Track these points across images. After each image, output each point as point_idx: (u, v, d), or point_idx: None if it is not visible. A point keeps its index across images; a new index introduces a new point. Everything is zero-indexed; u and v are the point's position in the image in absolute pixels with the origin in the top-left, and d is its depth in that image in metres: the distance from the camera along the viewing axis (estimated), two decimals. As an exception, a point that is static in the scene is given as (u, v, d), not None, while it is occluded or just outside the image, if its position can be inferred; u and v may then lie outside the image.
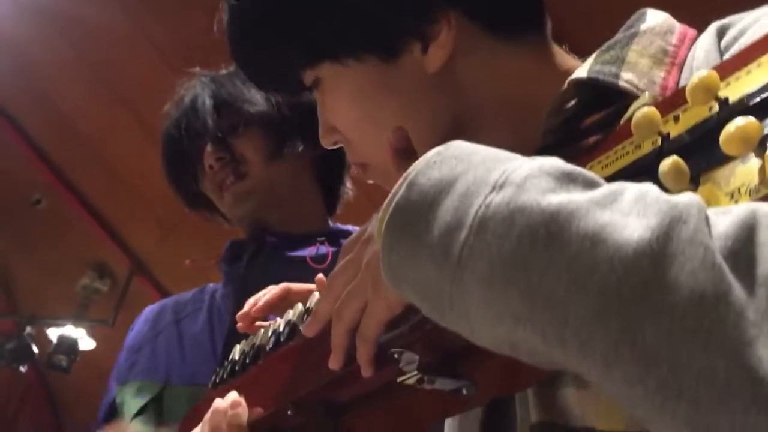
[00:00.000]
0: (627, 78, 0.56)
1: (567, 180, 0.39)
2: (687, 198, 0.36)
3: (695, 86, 0.42)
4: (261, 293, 0.80)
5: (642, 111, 0.45)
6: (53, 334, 4.96)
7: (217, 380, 0.76)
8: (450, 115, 0.64)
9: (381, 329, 0.50)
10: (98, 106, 4.27)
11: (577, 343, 0.35)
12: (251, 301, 0.80)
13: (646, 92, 0.51)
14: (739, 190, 0.38)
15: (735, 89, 0.42)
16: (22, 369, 4.99)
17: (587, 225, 0.36)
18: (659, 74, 0.57)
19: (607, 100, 0.58)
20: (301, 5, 0.63)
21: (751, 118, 0.37)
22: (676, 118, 0.46)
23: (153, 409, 1.05)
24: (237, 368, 0.73)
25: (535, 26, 0.66)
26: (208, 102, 1.15)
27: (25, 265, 5.45)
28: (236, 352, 0.77)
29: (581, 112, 0.59)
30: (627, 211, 0.36)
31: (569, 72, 0.63)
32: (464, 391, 0.51)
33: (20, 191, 4.99)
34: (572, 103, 0.59)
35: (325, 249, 1.14)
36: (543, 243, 0.36)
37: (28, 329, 4.82)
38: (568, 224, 0.36)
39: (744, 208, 0.35)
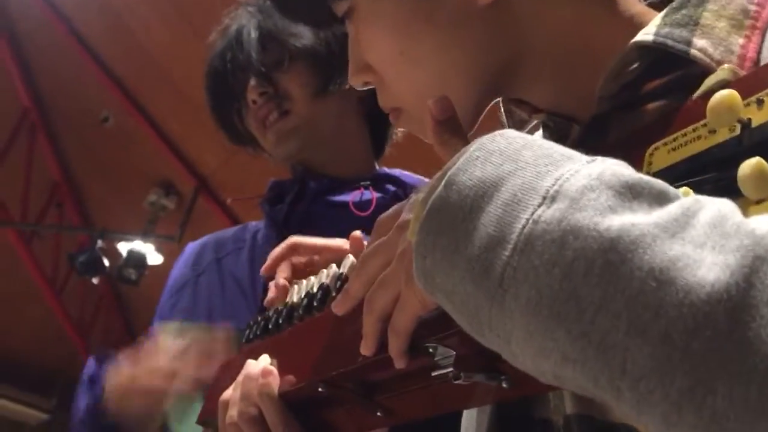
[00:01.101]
0: (700, 45, 0.49)
1: (631, 195, 0.34)
2: None
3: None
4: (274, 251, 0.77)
5: (721, 95, 0.38)
6: (123, 248, 5.12)
7: (251, 335, 0.74)
8: (499, 57, 0.57)
9: (414, 323, 0.46)
10: (165, 26, 4.25)
11: (634, 395, 0.30)
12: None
13: (725, 65, 0.43)
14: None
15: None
16: (95, 281, 5.18)
17: (653, 258, 0.30)
18: (738, 41, 0.49)
19: (674, 63, 0.51)
20: None
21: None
22: (760, 102, 0.39)
23: None
24: (270, 326, 0.71)
25: None
26: (254, 34, 1.09)
27: (95, 181, 5.59)
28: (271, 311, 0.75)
29: (643, 76, 0.53)
30: (701, 242, 0.30)
31: (634, 20, 0.56)
32: (504, 385, 0.47)
33: (89, 109, 5.08)
34: (634, 66, 0.52)
35: (369, 194, 1.09)
36: (599, 274, 0.31)
37: (99, 243, 4.98)
38: (630, 255, 0.31)
39: None
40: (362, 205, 1.08)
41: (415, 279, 0.40)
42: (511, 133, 0.40)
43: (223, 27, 1.15)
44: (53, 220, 5.61)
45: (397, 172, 1.16)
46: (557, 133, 0.60)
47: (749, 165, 0.34)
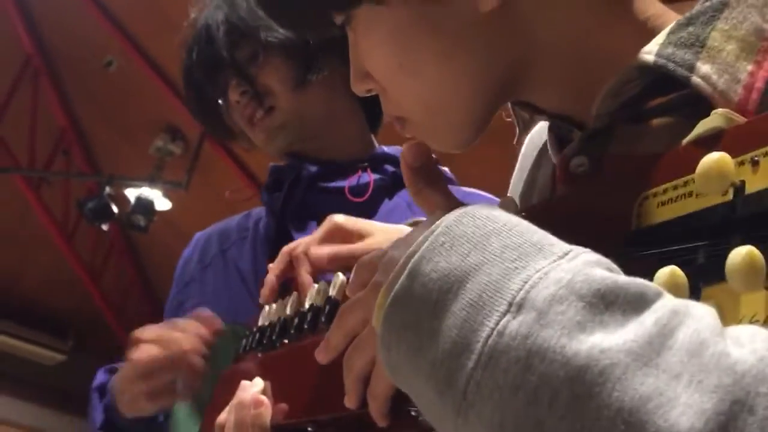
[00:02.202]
0: (704, 72, 0.45)
1: (603, 305, 0.31)
2: (758, 358, 0.27)
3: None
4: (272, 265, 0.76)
5: (710, 159, 0.36)
6: (131, 194, 5.12)
7: (246, 346, 0.74)
8: (505, 64, 0.54)
9: (391, 389, 0.44)
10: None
11: None
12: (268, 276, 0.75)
13: (720, 110, 0.40)
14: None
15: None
16: (104, 227, 5.21)
17: (623, 395, 0.28)
18: (747, 67, 0.45)
19: (677, 82, 0.47)
20: None
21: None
22: (755, 163, 0.36)
23: None
24: (264, 341, 0.70)
25: None
26: (222, 28, 1.03)
27: (101, 127, 5.57)
28: (266, 314, 0.74)
29: (644, 92, 0.49)
30: (677, 372, 0.28)
31: (648, 24, 0.52)
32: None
33: (92, 53, 5.02)
34: (634, 83, 0.49)
35: (366, 177, 1.06)
36: (565, 407, 0.29)
37: (107, 189, 4.98)
38: (598, 389, 0.28)
39: None
40: (359, 189, 1.05)
41: (383, 367, 0.38)
42: (479, 211, 0.38)
43: (192, 19, 1.09)
44: (61, 166, 5.61)
45: (395, 150, 1.13)
46: (560, 138, 0.58)
47: (739, 255, 0.32)
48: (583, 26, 0.53)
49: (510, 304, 0.33)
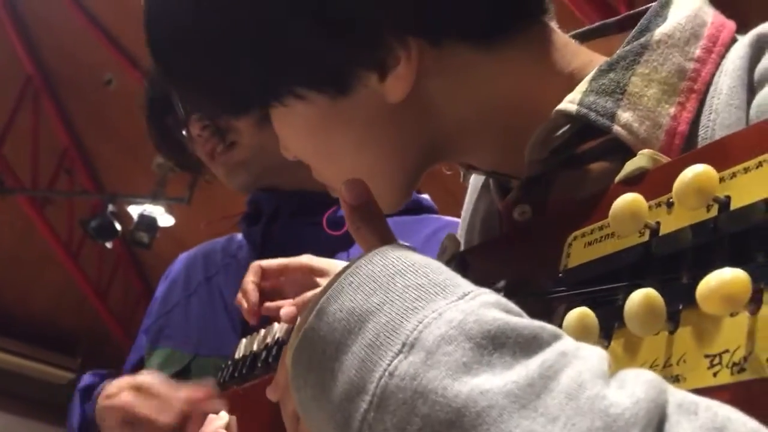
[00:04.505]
0: (624, 120, 0.44)
1: (492, 347, 0.31)
2: (633, 402, 0.27)
3: (684, 186, 0.33)
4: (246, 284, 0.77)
5: (623, 201, 0.36)
6: (134, 211, 5.15)
7: (221, 379, 0.75)
8: (419, 144, 0.53)
9: None
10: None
11: None
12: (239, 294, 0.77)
13: (645, 151, 0.40)
14: (721, 357, 0.30)
15: (741, 187, 0.33)
16: (108, 245, 5.24)
17: None
18: (669, 111, 0.44)
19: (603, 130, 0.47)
20: (220, 53, 0.50)
21: (738, 272, 0.29)
22: (670, 205, 0.37)
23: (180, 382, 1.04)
24: (236, 374, 0.72)
25: (529, 21, 0.51)
26: None
27: (102, 145, 5.60)
28: (241, 347, 0.75)
29: (573, 138, 0.49)
30: (554, 415, 0.28)
31: (574, 74, 0.51)
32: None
33: (92, 73, 5.05)
34: (563, 130, 0.48)
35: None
36: None
37: (110, 207, 5.01)
38: (473, 431, 0.29)
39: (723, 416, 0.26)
40: (335, 222, 1.05)
41: (296, 407, 0.39)
42: (392, 252, 0.38)
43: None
44: (64, 185, 5.64)
45: None
46: (501, 185, 0.57)
47: (636, 299, 0.32)
48: (503, 93, 0.52)
49: (403, 345, 0.33)
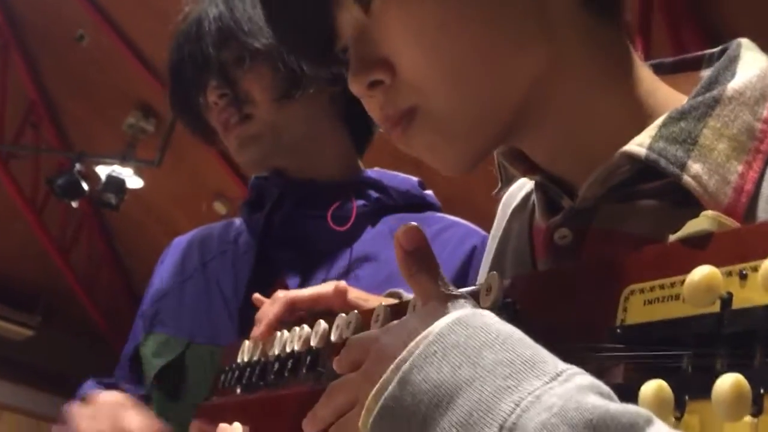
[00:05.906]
0: (695, 171, 0.45)
1: None
2: None
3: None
4: (267, 304, 0.74)
5: (700, 274, 0.36)
6: (102, 172, 5.05)
7: (225, 383, 0.74)
8: (522, 87, 0.51)
9: None
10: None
11: None
12: (259, 315, 0.74)
13: (709, 212, 0.40)
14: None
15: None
16: (74, 204, 5.14)
17: None
18: (737, 168, 0.45)
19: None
20: None
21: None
22: (743, 276, 0.37)
23: (174, 370, 1.02)
24: (244, 380, 0.70)
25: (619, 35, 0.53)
26: (213, 25, 0.99)
27: (71, 101, 5.47)
28: (245, 349, 0.74)
29: (632, 178, 0.50)
30: None
31: (642, 96, 0.52)
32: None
33: (64, 27, 4.91)
34: (623, 169, 0.49)
35: (350, 204, 1.05)
36: None
37: (78, 166, 4.91)
38: None
39: None
40: (342, 217, 1.03)
41: None
42: (473, 320, 0.38)
43: (185, 14, 1.06)
44: (30, 140, 5.51)
45: (379, 174, 1.11)
46: (549, 201, 0.58)
47: (726, 383, 0.32)
48: (588, 87, 0.52)
49: (501, 427, 0.33)
